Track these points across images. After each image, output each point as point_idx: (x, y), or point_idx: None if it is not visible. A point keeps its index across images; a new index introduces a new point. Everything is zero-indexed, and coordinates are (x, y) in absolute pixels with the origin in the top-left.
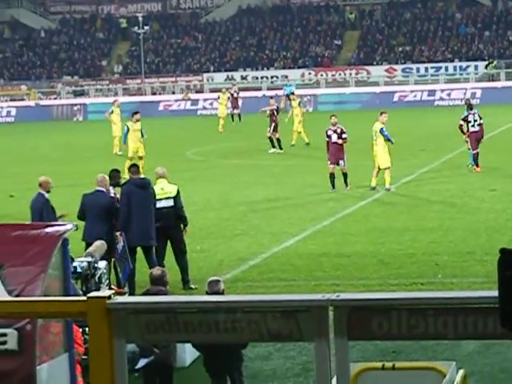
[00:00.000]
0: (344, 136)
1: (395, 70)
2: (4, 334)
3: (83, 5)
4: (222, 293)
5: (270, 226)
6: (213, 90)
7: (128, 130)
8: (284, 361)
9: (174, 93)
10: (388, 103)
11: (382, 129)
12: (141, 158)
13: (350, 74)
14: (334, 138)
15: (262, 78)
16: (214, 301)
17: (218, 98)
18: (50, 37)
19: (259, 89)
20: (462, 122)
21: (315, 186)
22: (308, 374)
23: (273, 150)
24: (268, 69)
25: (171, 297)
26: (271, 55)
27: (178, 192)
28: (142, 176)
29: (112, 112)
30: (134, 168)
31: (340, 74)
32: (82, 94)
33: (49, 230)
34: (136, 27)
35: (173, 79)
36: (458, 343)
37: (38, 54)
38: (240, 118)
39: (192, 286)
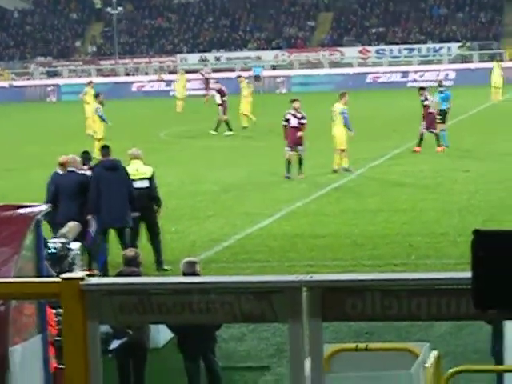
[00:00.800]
0: (303, 121)
1: (369, 51)
2: None
3: None
4: (197, 274)
5: (244, 207)
6: (187, 71)
7: (101, 111)
8: (258, 342)
9: (147, 74)
10: (361, 84)
11: (343, 111)
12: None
13: (324, 56)
14: (294, 122)
15: (235, 59)
16: (187, 282)
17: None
18: (23, 17)
19: (232, 70)
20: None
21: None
22: (282, 355)
23: (228, 133)
24: (241, 50)
25: (145, 278)
26: (244, 36)
27: (153, 173)
28: (112, 158)
29: (86, 93)
30: (104, 150)
31: (314, 56)
32: (55, 74)
33: (22, 211)
34: (110, 8)
35: (146, 60)
36: (431, 324)
37: (11, 35)
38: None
39: (165, 268)
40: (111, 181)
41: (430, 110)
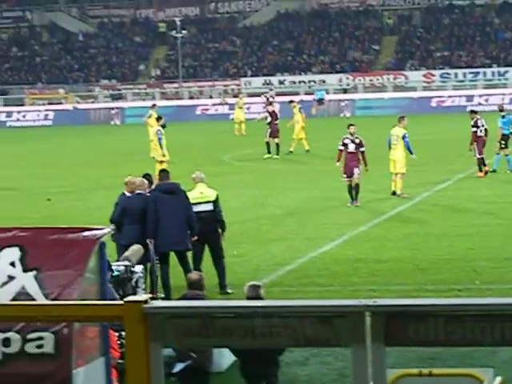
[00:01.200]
0: (362, 149)
1: (433, 75)
2: (41, 338)
3: (121, 9)
4: (261, 298)
5: (307, 231)
6: (250, 95)
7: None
8: (320, 366)
9: (211, 97)
10: (426, 108)
11: (404, 135)
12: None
13: (388, 79)
14: (351, 147)
15: (299, 82)
16: (250, 306)
17: (237, 103)
18: (88, 40)
19: (297, 93)
20: (474, 129)
21: None
22: (345, 380)
23: (267, 156)
24: (306, 73)
25: (208, 301)
26: (309, 60)
27: (217, 196)
28: (170, 181)
29: (150, 116)
30: (162, 173)
31: (378, 79)
32: (119, 97)
33: (86, 233)
34: (174, 31)
35: (210, 83)
36: (495, 350)
37: (75, 58)
38: None
39: (229, 291)
40: (169, 204)
41: (479, 134)
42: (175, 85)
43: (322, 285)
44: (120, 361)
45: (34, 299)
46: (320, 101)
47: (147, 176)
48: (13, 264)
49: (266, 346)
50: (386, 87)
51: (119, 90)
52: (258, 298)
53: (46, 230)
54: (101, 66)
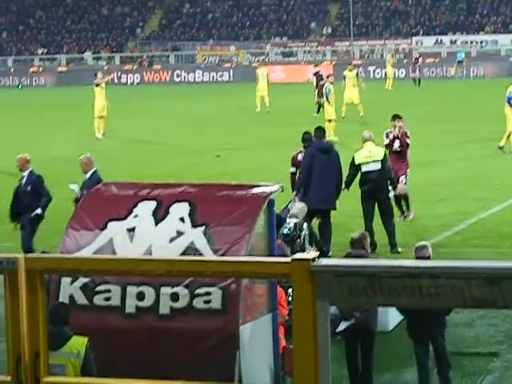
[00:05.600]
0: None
1: None
2: (208, 293)
3: None
4: (428, 258)
5: (476, 193)
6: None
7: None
8: (487, 328)
9: (382, 56)
10: None
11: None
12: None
13: None
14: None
15: (471, 42)
16: (417, 266)
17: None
18: None
19: (469, 53)
20: None
21: None
22: (511, 342)
23: (317, 115)
24: (478, 33)
25: (374, 260)
26: (481, 20)
27: (385, 155)
28: (325, 140)
29: (345, 77)
30: (318, 131)
31: None
32: (290, 55)
33: (255, 190)
34: None
35: (381, 42)
36: None
37: (247, 15)
38: (419, 83)
39: (399, 250)
40: (323, 163)
41: None
42: (346, 43)
43: (490, 246)
44: (287, 318)
45: (202, 254)
46: (460, 62)
47: (306, 134)
48: (182, 219)
49: (433, 306)
50: None
51: (290, 47)
52: (426, 258)
53: (215, 186)
54: (272, 23)
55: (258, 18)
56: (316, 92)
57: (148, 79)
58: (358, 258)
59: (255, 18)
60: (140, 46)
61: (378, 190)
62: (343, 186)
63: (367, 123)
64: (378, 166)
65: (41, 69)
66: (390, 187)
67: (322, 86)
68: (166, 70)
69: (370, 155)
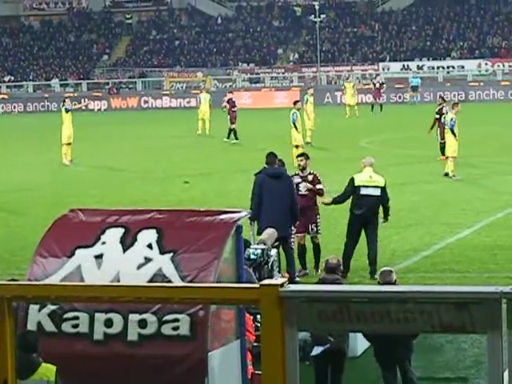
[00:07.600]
0: (319, 187)
1: None
2: (177, 320)
3: None
4: (394, 283)
5: (444, 217)
6: (389, 80)
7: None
8: (456, 353)
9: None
10: None
11: (451, 119)
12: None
13: None
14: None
15: (437, 67)
16: (386, 291)
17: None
18: (226, 24)
19: (435, 79)
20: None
21: None
22: (480, 367)
23: (226, 140)
24: (444, 59)
25: (344, 286)
26: (447, 45)
27: (386, 183)
28: (276, 166)
29: (307, 101)
30: (270, 157)
31: None
32: (257, 81)
33: (223, 216)
34: (312, 16)
35: (348, 68)
36: None
37: (214, 41)
38: (381, 109)
39: (376, 277)
40: (273, 189)
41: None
42: (313, 69)
43: (458, 271)
44: (255, 344)
45: (170, 281)
46: (414, 88)
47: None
48: (150, 246)
49: (402, 331)
50: None
51: (257, 73)
52: (390, 283)
53: (183, 212)
54: (239, 49)
55: (225, 44)
56: (228, 118)
57: (115, 106)
58: (334, 283)
59: (222, 45)
60: (107, 73)
61: (371, 214)
62: (330, 200)
63: (326, 149)
64: (378, 192)
65: (7, 96)
66: (383, 218)
67: (234, 111)
68: (134, 96)
69: (372, 180)
